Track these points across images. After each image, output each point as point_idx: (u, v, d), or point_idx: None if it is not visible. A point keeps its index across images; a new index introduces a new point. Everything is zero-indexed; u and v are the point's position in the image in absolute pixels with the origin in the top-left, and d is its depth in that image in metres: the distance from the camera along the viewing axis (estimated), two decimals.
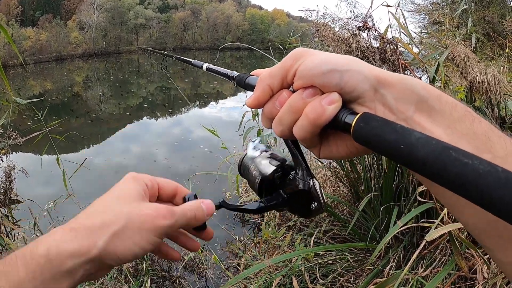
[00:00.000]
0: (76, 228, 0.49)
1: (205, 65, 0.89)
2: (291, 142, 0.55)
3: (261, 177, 0.59)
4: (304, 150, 0.55)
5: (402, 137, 0.37)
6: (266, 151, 0.62)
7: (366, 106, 0.45)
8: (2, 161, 2.88)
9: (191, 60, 1.07)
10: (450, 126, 0.42)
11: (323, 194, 0.53)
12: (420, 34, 4.56)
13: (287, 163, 0.59)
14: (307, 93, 0.46)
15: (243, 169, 0.63)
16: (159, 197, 0.61)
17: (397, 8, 3.30)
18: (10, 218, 2.82)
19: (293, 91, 0.48)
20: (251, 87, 0.57)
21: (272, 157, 0.61)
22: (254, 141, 0.65)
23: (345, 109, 0.44)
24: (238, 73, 0.66)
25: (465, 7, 4.46)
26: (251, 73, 0.61)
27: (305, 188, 0.53)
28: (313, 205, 0.53)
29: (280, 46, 3.79)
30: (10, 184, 2.94)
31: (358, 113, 0.43)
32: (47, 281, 0.46)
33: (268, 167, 0.59)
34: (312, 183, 0.52)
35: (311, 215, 0.55)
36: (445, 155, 0.33)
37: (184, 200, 0.59)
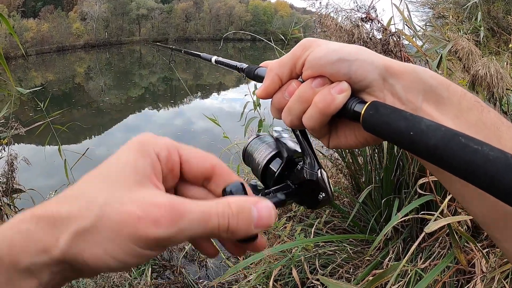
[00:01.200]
0: (40, 216, 0.34)
1: (214, 58, 0.90)
2: (300, 132, 0.55)
3: (265, 162, 0.58)
4: (312, 140, 0.55)
5: (411, 124, 0.37)
6: (271, 141, 0.62)
7: (375, 95, 0.45)
8: (5, 151, 2.90)
9: (200, 53, 1.07)
10: (458, 116, 0.42)
11: (331, 185, 0.53)
12: (424, 27, 4.54)
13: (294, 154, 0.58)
14: (316, 83, 0.46)
15: (247, 156, 0.63)
16: (184, 177, 0.41)
17: (401, 0, 3.28)
18: (12, 207, 2.84)
19: (302, 81, 0.49)
20: (260, 78, 0.57)
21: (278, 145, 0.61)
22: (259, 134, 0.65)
23: (354, 98, 0.45)
24: (248, 65, 0.66)
25: (475, 0, 4.45)
26: (260, 65, 0.61)
27: (313, 179, 0.52)
28: (321, 196, 0.53)
29: (283, 37, 3.77)
30: (12, 173, 2.96)
31: (367, 102, 0.43)
32: (2, 284, 0.32)
33: (269, 153, 0.59)
34: (320, 174, 0.52)
35: (319, 206, 0.54)
36: (455, 142, 0.33)
37: (224, 193, 0.39)
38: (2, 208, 2.61)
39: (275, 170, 0.57)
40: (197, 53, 1.10)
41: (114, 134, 10.27)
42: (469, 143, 0.33)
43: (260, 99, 3.37)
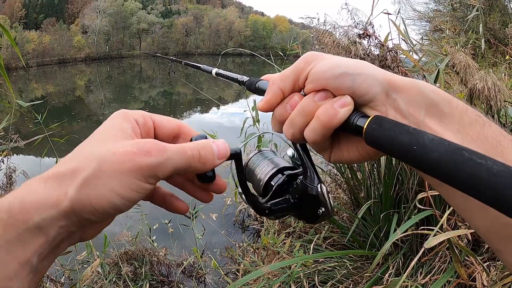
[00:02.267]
0: (47, 177, 0.40)
1: (214, 70, 0.90)
2: (300, 146, 0.55)
3: (267, 179, 0.58)
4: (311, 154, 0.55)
5: (415, 139, 0.37)
6: (271, 157, 0.62)
7: (377, 110, 0.45)
8: (3, 163, 2.89)
9: (200, 65, 1.07)
10: (460, 130, 0.42)
11: (331, 200, 0.52)
12: (421, 41, 4.58)
13: (296, 171, 0.58)
14: (319, 96, 0.46)
15: (248, 171, 0.62)
16: (157, 137, 0.50)
17: (397, 16, 3.31)
18: None
19: (304, 95, 0.49)
20: (261, 91, 0.58)
21: (278, 161, 0.61)
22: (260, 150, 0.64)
23: (356, 112, 0.45)
24: (248, 78, 0.67)
25: (476, 13, 4.50)
26: (261, 78, 0.61)
27: (313, 193, 0.52)
28: (320, 211, 0.52)
29: (281, 53, 3.80)
30: (11, 186, 2.94)
31: (369, 116, 0.43)
32: (12, 241, 0.36)
33: (271, 169, 0.58)
34: (320, 188, 0.52)
35: (318, 220, 0.54)
36: (458, 156, 0.33)
37: (191, 141, 0.48)
38: None
39: (273, 184, 0.57)
40: (198, 64, 1.11)
41: None
42: (472, 157, 0.32)
43: (260, 114, 3.39)
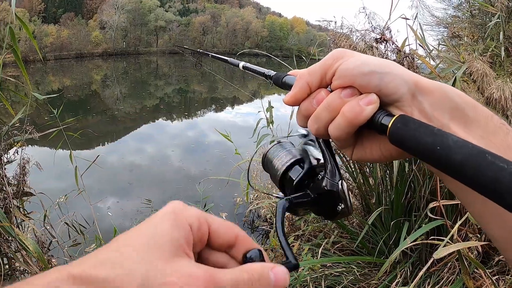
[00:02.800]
0: (77, 276, 0.33)
1: (241, 64, 0.91)
2: (323, 141, 0.54)
3: (284, 170, 0.57)
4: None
5: (439, 140, 0.37)
6: (289, 148, 0.61)
7: (403, 110, 0.45)
8: (18, 154, 2.93)
9: (227, 58, 1.08)
10: (484, 136, 0.42)
11: (351, 197, 0.52)
12: (438, 47, 4.53)
13: (316, 163, 0.57)
14: (346, 93, 0.46)
15: (266, 162, 0.62)
16: (210, 244, 0.42)
17: (414, 21, 3.29)
18: (21, 209, 2.87)
19: (331, 91, 0.49)
20: (287, 86, 0.58)
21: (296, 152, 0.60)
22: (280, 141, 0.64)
23: (382, 111, 0.45)
24: (275, 72, 0.67)
25: (497, 20, 4.43)
26: (288, 73, 0.61)
27: (334, 189, 0.52)
28: (340, 207, 0.52)
29: (303, 57, 3.79)
30: (24, 176, 2.99)
31: (394, 115, 0.43)
32: None
33: (289, 159, 0.58)
34: (341, 185, 0.52)
35: (337, 217, 0.54)
36: (481, 159, 0.33)
37: (245, 258, 0.41)
38: (11, 210, 2.63)
39: (294, 178, 0.56)
40: (225, 57, 1.12)
41: (127, 142, 10.33)
42: (495, 160, 0.32)
43: (273, 115, 3.38)
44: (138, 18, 67.51)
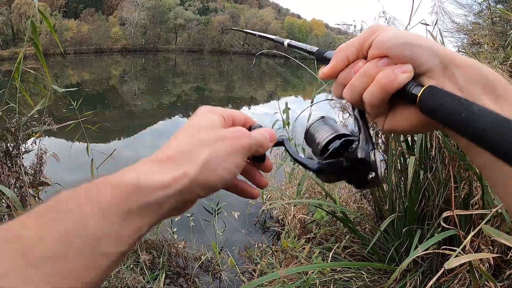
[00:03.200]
0: (164, 159, 0.46)
1: (286, 41, 0.95)
2: (358, 112, 0.57)
3: (325, 143, 0.60)
4: None
5: (464, 107, 0.40)
6: (332, 124, 0.64)
7: (434, 80, 0.47)
8: (35, 144, 2.99)
9: (272, 37, 1.13)
10: None
11: (383, 168, 0.54)
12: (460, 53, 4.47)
13: (351, 134, 0.60)
14: (383, 62, 0.50)
15: (309, 136, 0.64)
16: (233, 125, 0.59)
17: (434, 27, 3.26)
18: (36, 199, 2.92)
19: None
20: (327, 61, 0.61)
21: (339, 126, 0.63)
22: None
23: (413, 82, 0.48)
24: (317, 48, 0.70)
25: None
26: (328, 49, 0.66)
27: (366, 158, 0.54)
28: (370, 176, 0.54)
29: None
30: (41, 167, 3.05)
31: (425, 86, 0.46)
32: (133, 211, 0.40)
33: (330, 134, 0.61)
34: (373, 154, 0.54)
35: (367, 185, 0.56)
36: (505, 127, 0.35)
37: (250, 129, 0.58)
38: (27, 199, 2.68)
39: (330, 148, 0.59)
40: (270, 36, 1.15)
41: (143, 138, 10.41)
42: None
43: (290, 117, 3.39)
44: (157, 15, 68.05)
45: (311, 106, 3.48)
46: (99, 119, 9.57)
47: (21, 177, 2.75)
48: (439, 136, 2.35)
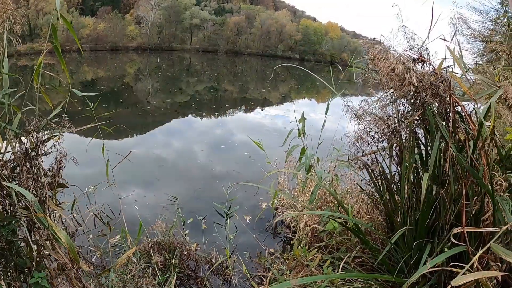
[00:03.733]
0: None
1: None
2: None
3: None
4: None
5: None
6: None
7: None
8: (55, 148, 3.07)
9: None
10: None
11: None
12: (474, 66, 4.46)
13: None
14: None
15: None
16: None
17: (452, 37, 3.27)
18: (53, 200, 2.99)
19: None
20: None
21: None
22: None
23: None
24: None
25: None
26: None
27: None
28: None
29: (335, 63, 3.82)
30: (60, 170, 3.13)
31: None
32: None
33: None
34: None
35: None
36: None
37: None
38: (46, 201, 2.74)
39: None
40: None
41: (156, 136, 10.51)
42: None
43: (304, 129, 3.44)
44: (173, 15, 68.26)
45: (326, 114, 3.52)
46: (113, 116, 9.65)
47: (40, 179, 2.81)
48: (453, 153, 2.38)
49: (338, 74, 3.72)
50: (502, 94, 3.03)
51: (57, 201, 3.02)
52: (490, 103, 2.58)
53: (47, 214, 2.65)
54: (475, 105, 2.68)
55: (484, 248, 1.85)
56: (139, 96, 18.76)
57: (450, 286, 1.64)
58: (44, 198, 2.73)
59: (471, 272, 1.69)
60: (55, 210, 2.82)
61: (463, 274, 1.68)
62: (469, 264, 1.75)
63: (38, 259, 2.44)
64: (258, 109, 17.08)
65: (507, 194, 2.61)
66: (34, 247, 2.44)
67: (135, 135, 10.35)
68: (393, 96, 2.70)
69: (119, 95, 18.09)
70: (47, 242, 2.50)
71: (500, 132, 3.82)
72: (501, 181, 2.65)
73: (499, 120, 3.61)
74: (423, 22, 2.98)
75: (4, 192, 2.43)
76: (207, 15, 72.97)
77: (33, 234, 2.50)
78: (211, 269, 3.40)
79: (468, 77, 3.17)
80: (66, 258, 2.55)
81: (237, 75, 25.25)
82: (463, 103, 2.68)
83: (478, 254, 1.77)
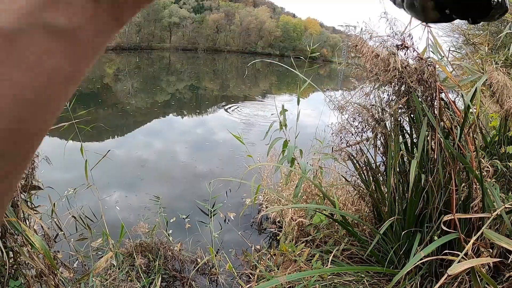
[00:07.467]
0: None
1: None
2: None
3: None
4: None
5: None
6: None
7: None
8: None
9: None
10: None
11: None
12: (449, 54, 4.46)
13: None
14: None
15: None
16: None
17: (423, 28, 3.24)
18: (29, 203, 2.87)
19: None
20: None
21: None
22: None
23: None
24: None
25: (509, 31, 4.35)
26: None
27: None
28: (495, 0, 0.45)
29: (320, 58, 3.77)
30: (33, 171, 2.99)
31: None
32: None
33: None
34: None
35: (491, 12, 0.45)
36: None
37: None
38: (19, 204, 2.63)
39: None
40: None
41: (136, 137, 10.33)
42: None
43: (286, 121, 3.37)
44: (152, 13, 67.76)
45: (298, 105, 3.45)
46: (93, 118, 9.50)
47: None
48: (441, 139, 2.33)
49: (318, 69, 3.67)
50: (486, 79, 3.01)
51: (32, 204, 2.90)
52: (476, 88, 2.55)
53: (22, 219, 2.54)
54: (460, 91, 2.64)
55: (478, 234, 1.80)
56: (118, 96, 18.48)
57: (446, 275, 1.59)
58: (17, 201, 2.61)
59: (466, 260, 1.64)
60: (30, 215, 2.70)
61: (459, 262, 1.63)
62: (463, 252, 1.70)
63: (14, 266, 2.33)
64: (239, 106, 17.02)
65: (493, 180, 2.59)
66: (11, 254, 2.34)
67: (116, 136, 10.16)
68: (378, 84, 2.64)
69: (98, 96, 17.78)
70: (23, 248, 2.38)
71: (482, 120, 3.82)
72: (488, 167, 2.62)
73: (481, 109, 3.60)
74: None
75: None
76: (186, 13, 72.60)
77: (7, 240, 2.38)
78: (196, 269, 3.30)
79: (450, 63, 3.14)
80: (42, 264, 2.44)
81: (217, 73, 25.16)
82: (448, 90, 2.64)
83: (472, 241, 1.72)
